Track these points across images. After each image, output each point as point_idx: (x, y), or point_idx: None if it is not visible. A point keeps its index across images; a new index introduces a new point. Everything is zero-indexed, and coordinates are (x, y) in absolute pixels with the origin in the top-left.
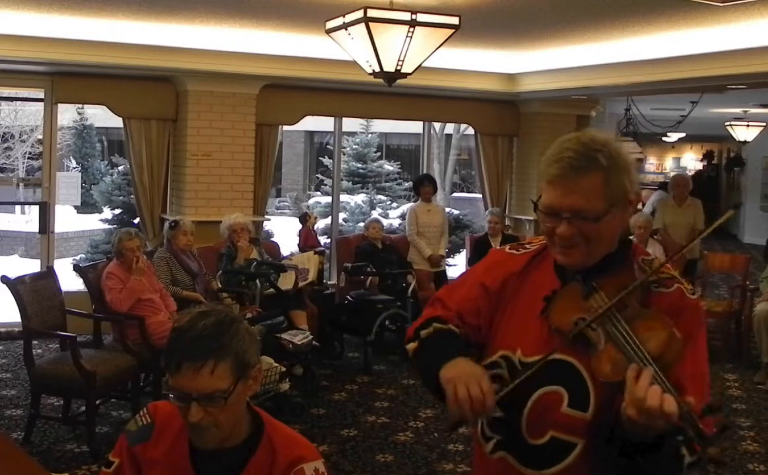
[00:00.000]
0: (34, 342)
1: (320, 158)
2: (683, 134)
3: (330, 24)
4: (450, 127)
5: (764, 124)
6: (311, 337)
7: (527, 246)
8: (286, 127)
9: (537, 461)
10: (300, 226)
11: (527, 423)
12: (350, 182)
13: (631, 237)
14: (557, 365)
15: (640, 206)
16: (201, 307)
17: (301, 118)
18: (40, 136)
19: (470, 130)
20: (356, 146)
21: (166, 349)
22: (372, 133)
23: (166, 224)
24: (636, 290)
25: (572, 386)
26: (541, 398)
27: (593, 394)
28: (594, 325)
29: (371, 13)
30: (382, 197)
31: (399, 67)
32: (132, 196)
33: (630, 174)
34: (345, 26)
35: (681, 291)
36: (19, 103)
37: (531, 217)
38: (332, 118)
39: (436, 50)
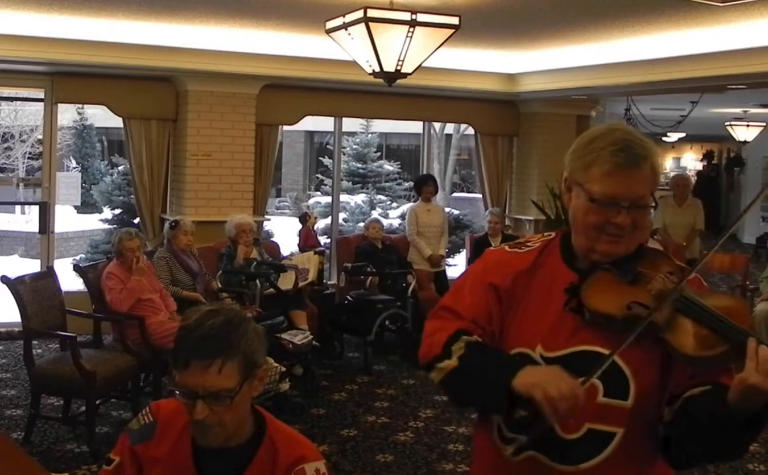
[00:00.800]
0: (34, 342)
1: (320, 158)
2: (683, 134)
3: (330, 24)
4: (450, 127)
5: (764, 124)
6: (311, 337)
7: (529, 244)
8: (286, 127)
9: (573, 456)
10: (300, 226)
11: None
12: (350, 182)
13: None
14: (586, 357)
15: None
16: (210, 305)
17: (301, 118)
18: (40, 136)
19: (470, 130)
20: (356, 146)
21: (173, 346)
22: (372, 133)
23: (167, 224)
24: (695, 269)
25: (605, 376)
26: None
27: (633, 381)
28: (662, 305)
29: (371, 13)
30: (382, 197)
31: (399, 67)
32: (132, 196)
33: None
34: (345, 26)
35: (699, 280)
36: (19, 103)
37: (531, 217)
38: (332, 118)
39: (436, 50)
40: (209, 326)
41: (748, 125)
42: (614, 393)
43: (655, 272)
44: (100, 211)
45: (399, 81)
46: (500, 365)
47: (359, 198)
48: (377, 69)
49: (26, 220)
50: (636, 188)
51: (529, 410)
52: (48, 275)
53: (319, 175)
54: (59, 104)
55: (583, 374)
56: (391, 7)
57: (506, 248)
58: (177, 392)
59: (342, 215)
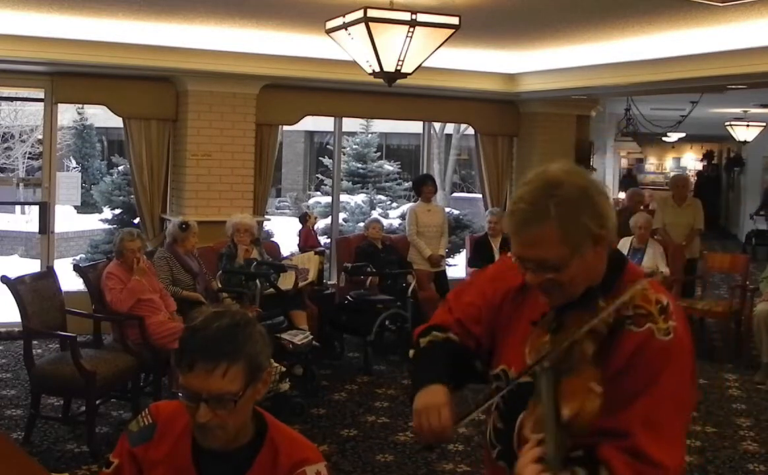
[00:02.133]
0: (34, 342)
1: (320, 158)
2: (683, 134)
3: (330, 24)
4: (450, 127)
5: (764, 124)
6: (311, 337)
7: None
8: (286, 127)
9: None
10: (300, 226)
11: (517, 439)
12: (350, 182)
13: (627, 238)
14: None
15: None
16: (215, 307)
17: (301, 118)
18: (40, 136)
19: (470, 130)
20: (356, 146)
21: (178, 347)
22: (372, 133)
23: (173, 225)
24: (581, 340)
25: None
26: (524, 419)
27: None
28: (537, 370)
29: (371, 13)
30: (382, 197)
31: (399, 67)
32: (132, 196)
33: (596, 210)
34: (345, 26)
35: (650, 332)
36: (19, 103)
37: None
38: (332, 118)
39: (436, 50)
40: (215, 328)
41: (748, 125)
42: (535, 430)
43: (573, 325)
44: (100, 211)
45: (399, 81)
46: (419, 377)
47: (359, 198)
48: (377, 69)
49: (26, 220)
50: (534, 252)
51: None
52: (48, 275)
53: (319, 175)
54: (59, 104)
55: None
56: (391, 7)
57: (513, 258)
58: (180, 394)
59: (342, 215)
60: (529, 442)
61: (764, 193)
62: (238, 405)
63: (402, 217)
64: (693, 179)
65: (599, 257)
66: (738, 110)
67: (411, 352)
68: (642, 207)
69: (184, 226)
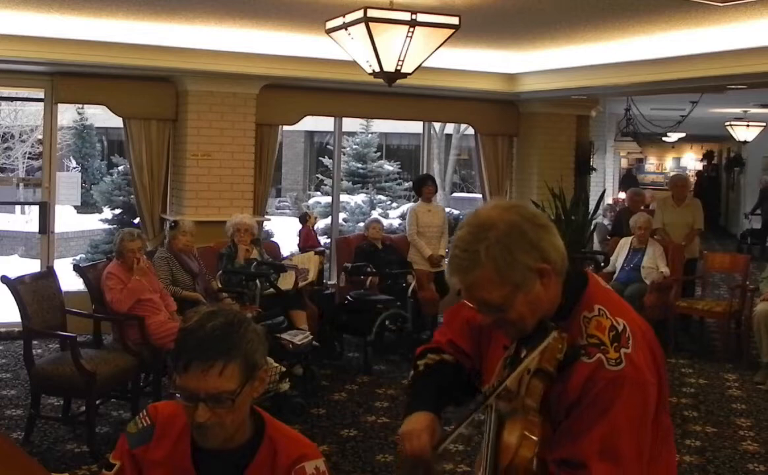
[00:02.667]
0: (34, 342)
1: (320, 158)
2: (683, 134)
3: (330, 24)
4: (450, 127)
5: (764, 124)
6: (311, 337)
7: None
8: (286, 127)
9: None
10: (300, 226)
11: (499, 458)
12: (350, 182)
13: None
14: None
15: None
16: (209, 307)
17: (301, 118)
18: (40, 136)
19: (470, 130)
20: (356, 146)
21: (174, 348)
22: (372, 133)
23: (168, 224)
24: (526, 378)
25: None
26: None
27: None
28: (486, 405)
29: (371, 13)
30: (382, 197)
31: (399, 67)
32: (132, 196)
33: (533, 245)
34: (345, 26)
35: (600, 362)
36: (19, 103)
37: None
38: (332, 118)
39: (436, 50)
40: (210, 327)
41: (748, 125)
42: (478, 467)
43: (525, 361)
44: (100, 211)
45: (399, 81)
46: (409, 405)
47: (359, 198)
48: (377, 69)
49: (26, 220)
50: (476, 295)
51: None
52: (48, 275)
53: (319, 175)
54: (59, 104)
55: None
56: (391, 7)
57: None
58: (177, 395)
59: (342, 215)
60: None
61: (760, 193)
62: (236, 403)
63: (402, 217)
64: (693, 179)
65: (549, 289)
66: (738, 110)
67: (411, 372)
68: (643, 207)
69: (172, 224)
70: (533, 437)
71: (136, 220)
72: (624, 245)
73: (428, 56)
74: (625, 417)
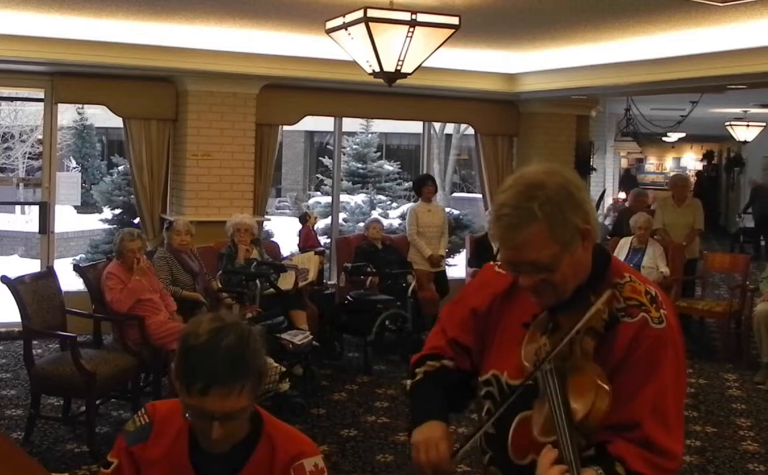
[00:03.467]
0: (34, 342)
1: (320, 158)
2: (683, 134)
3: (330, 24)
4: (450, 127)
5: (764, 124)
6: (311, 337)
7: None
8: (286, 127)
9: None
10: (300, 226)
11: (512, 444)
12: (350, 182)
13: (627, 238)
14: (534, 390)
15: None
16: (212, 318)
17: (301, 118)
18: (40, 136)
19: (470, 130)
20: (356, 146)
21: (183, 365)
22: (372, 133)
23: (165, 225)
24: (581, 335)
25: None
26: (522, 421)
27: None
28: (540, 372)
29: (371, 13)
30: (382, 197)
31: (399, 67)
32: (132, 196)
33: (579, 205)
34: (345, 26)
35: (644, 320)
36: (19, 103)
37: None
38: (332, 118)
39: (436, 50)
40: (224, 347)
41: (748, 125)
42: (545, 433)
43: (567, 324)
44: (100, 211)
45: (399, 81)
46: (417, 413)
47: (359, 198)
48: (377, 69)
49: (26, 220)
50: (525, 255)
51: None
52: (48, 275)
53: (319, 175)
54: (59, 104)
55: (529, 407)
56: (391, 7)
57: (496, 267)
58: (188, 415)
59: (342, 215)
60: (545, 447)
61: (751, 192)
62: (246, 414)
63: (402, 217)
64: (693, 179)
65: (587, 253)
66: (738, 110)
67: (408, 382)
68: (645, 207)
69: (167, 223)
70: (606, 386)
71: (136, 220)
72: (624, 245)
73: (428, 56)
74: (670, 378)
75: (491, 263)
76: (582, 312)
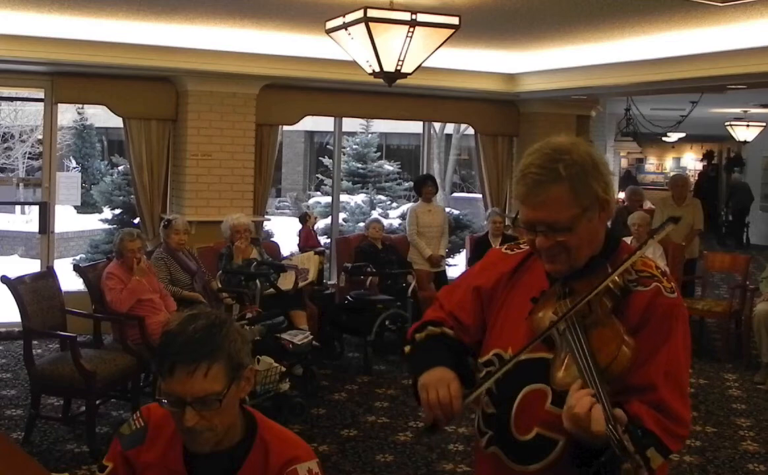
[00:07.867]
0: (34, 342)
1: (320, 158)
2: (683, 134)
3: (330, 24)
4: (450, 127)
5: (764, 124)
6: (311, 337)
7: (522, 246)
8: (286, 127)
9: (523, 457)
10: (300, 226)
11: (515, 419)
12: (350, 182)
13: (626, 238)
14: (540, 364)
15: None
16: (190, 310)
17: (301, 118)
18: (40, 136)
19: (470, 130)
20: (356, 146)
21: (157, 352)
22: (372, 133)
23: (162, 223)
24: (600, 295)
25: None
26: (527, 395)
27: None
28: (558, 330)
29: (371, 13)
30: (382, 197)
31: (399, 67)
32: (132, 196)
33: (601, 175)
34: (345, 26)
35: (658, 289)
36: (19, 103)
37: None
38: (332, 118)
39: (436, 50)
40: (191, 330)
41: (748, 125)
42: (559, 402)
43: (580, 292)
44: (100, 211)
45: (399, 81)
46: (422, 362)
47: (359, 198)
48: (377, 69)
49: (26, 220)
50: (545, 214)
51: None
52: (48, 275)
53: (319, 175)
54: (59, 104)
55: (539, 381)
56: (391, 7)
57: (503, 249)
58: (164, 401)
59: (342, 215)
60: (576, 384)
61: (729, 189)
62: (224, 405)
63: (402, 217)
64: (694, 179)
65: (603, 224)
66: (738, 110)
67: (407, 348)
68: (640, 207)
69: (166, 222)
70: (628, 337)
71: (136, 220)
72: None
73: (428, 56)
74: (681, 348)
75: (499, 247)
76: (598, 279)
